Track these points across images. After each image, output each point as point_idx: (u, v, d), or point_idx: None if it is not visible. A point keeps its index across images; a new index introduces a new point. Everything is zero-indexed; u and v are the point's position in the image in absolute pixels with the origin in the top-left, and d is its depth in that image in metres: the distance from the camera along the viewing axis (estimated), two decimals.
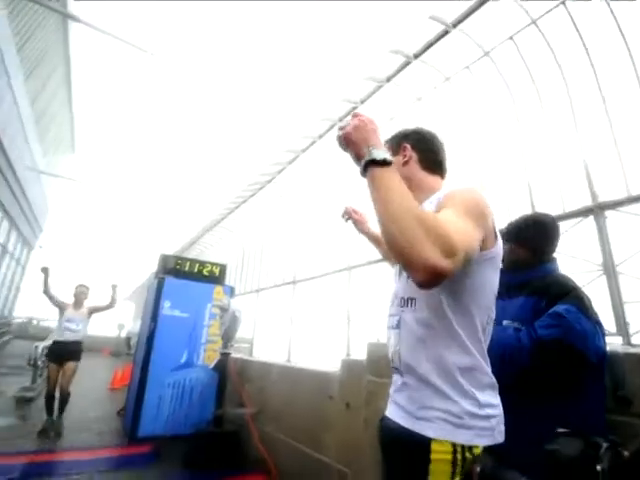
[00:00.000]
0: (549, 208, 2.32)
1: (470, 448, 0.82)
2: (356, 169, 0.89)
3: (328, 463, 2.76)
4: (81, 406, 6.18)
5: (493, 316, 0.97)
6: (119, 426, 4.95)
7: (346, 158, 0.95)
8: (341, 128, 0.92)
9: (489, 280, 0.92)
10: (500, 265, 0.96)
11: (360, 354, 3.37)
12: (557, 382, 1.23)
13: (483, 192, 0.98)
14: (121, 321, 21.56)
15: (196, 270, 5.30)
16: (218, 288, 5.18)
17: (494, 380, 0.91)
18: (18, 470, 3.26)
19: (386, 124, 4.15)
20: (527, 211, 1.69)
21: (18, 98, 10.24)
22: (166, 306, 4.67)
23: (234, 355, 4.57)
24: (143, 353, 4.61)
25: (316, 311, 4.80)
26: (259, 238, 7.07)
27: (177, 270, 5.13)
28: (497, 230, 0.93)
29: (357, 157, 0.88)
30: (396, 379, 1.01)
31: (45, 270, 4.59)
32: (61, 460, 3.63)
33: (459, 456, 0.81)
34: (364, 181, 0.83)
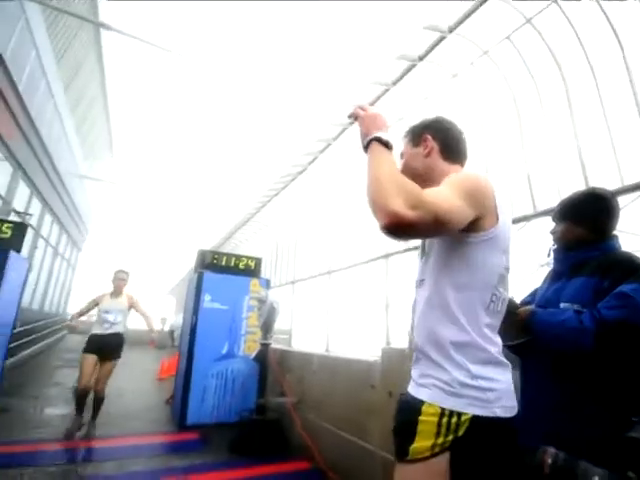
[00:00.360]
0: (605, 183, 2.15)
1: (459, 415, 0.87)
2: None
3: (372, 450, 2.76)
4: (132, 395, 6.58)
5: (502, 295, 0.99)
6: (168, 414, 5.21)
7: None
8: (361, 107, 1.08)
9: (489, 260, 0.95)
10: (504, 246, 0.98)
11: (400, 342, 3.33)
12: (623, 367, 1.14)
13: (485, 177, 1.00)
14: (164, 315, 22.64)
15: (232, 264, 5.43)
16: (254, 281, 5.28)
17: (497, 357, 0.95)
18: (78, 455, 3.52)
19: (420, 104, 3.99)
20: (580, 188, 1.56)
21: (60, 108, 10.84)
22: (206, 299, 4.82)
23: (274, 346, 4.66)
24: (187, 345, 4.81)
25: (353, 300, 4.78)
26: (292, 230, 7.11)
27: (214, 264, 5.28)
28: (500, 212, 0.96)
29: (366, 133, 1.01)
30: (413, 356, 1.10)
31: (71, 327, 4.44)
32: (116, 446, 3.88)
33: (445, 419, 0.87)
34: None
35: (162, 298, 28.72)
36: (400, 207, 0.78)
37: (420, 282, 1.08)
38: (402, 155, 1.22)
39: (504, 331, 1.31)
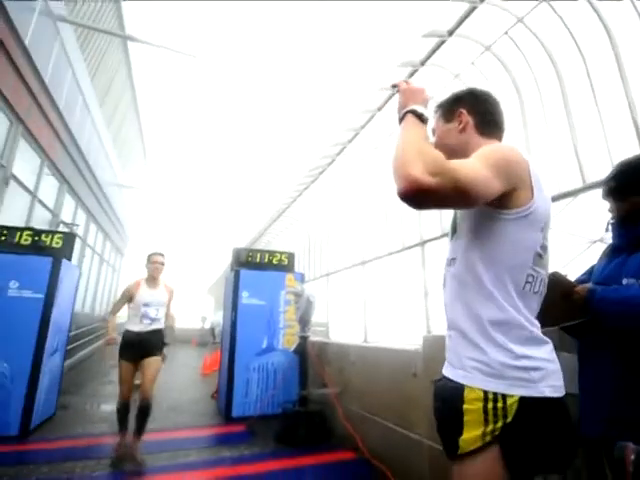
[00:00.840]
0: None
1: (504, 397, 0.81)
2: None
3: (418, 440, 2.73)
4: (179, 390, 6.90)
5: (540, 276, 0.93)
6: (214, 407, 5.42)
7: None
8: (405, 81, 1.08)
9: (525, 238, 0.89)
10: (542, 224, 0.91)
11: (441, 330, 3.26)
12: None
13: (519, 150, 0.93)
14: (203, 314, 23.48)
15: (266, 260, 5.53)
16: (289, 275, 5.35)
17: (538, 335, 0.90)
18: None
19: (450, 82, 3.89)
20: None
21: (96, 123, 11.45)
22: (244, 296, 4.95)
23: (312, 338, 4.70)
24: (229, 340, 4.96)
25: (390, 290, 4.73)
26: (324, 222, 7.12)
27: (249, 262, 5.40)
28: (536, 187, 0.89)
29: (403, 105, 1.00)
30: (446, 334, 1.05)
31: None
32: (168, 438, 4.08)
33: (490, 404, 0.81)
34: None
35: (201, 297, 29.77)
36: (420, 172, 0.75)
37: (451, 261, 1.02)
38: (434, 131, 1.16)
39: (559, 312, 1.24)
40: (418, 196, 0.77)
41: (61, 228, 8.77)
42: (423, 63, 3.85)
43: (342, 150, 5.30)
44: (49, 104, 7.37)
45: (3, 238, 4.44)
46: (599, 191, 1.46)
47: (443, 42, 3.55)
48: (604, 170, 2.48)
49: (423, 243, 3.98)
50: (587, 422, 1.25)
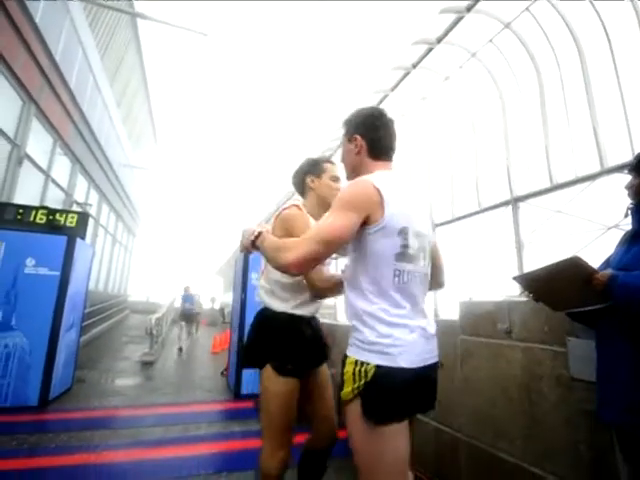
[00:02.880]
0: None
1: (367, 364, 1.10)
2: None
3: (425, 421, 2.78)
4: (191, 368, 7.10)
5: (406, 268, 1.17)
6: (224, 384, 5.57)
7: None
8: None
9: (384, 243, 1.15)
10: (398, 229, 1.14)
11: (449, 314, 3.27)
12: None
13: (365, 183, 1.16)
14: (212, 295, 23.89)
15: None
16: None
17: (400, 321, 1.14)
18: (148, 420, 3.88)
19: (418, 104, 3.84)
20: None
21: (107, 102, 11.43)
22: (254, 277, 5.00)
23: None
24: (238, 320, 5.05)
25: None
26: None
27: None
28: (386, 205, 1.13)
29: (252, 245, 1.33)
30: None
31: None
32: (181, 412, 4.22)
33: (357, 368, 1.11)
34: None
35: (210, 279, 30.21)
36: (284, 261, 1.13)
37: (344, 270, 1.31)
38: (342, 142, 1.40)
39: (576, 297, 1.23)
40: (295, 270, 1.15)
41: (74, 208, 8.90)
42: (415, 66, 4.18)
43: None
44: (60, 83, 7.37)
45: (19, 217, 4.53)
46: (618, 176, 1.42)
47: (431, 49, 3.89)
48: (624, 155, 2.41)
49: (434, 227, 3.95)
50: (604, 408, 1.26)
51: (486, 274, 3.32)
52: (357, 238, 1.17)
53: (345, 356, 1.19)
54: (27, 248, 4.24)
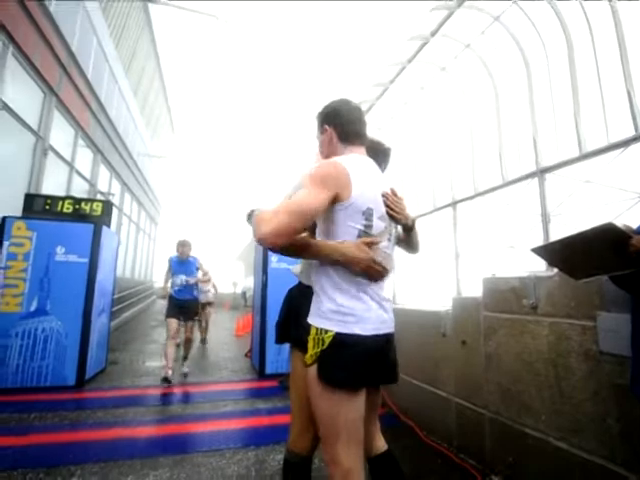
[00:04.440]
0: None
1: (326, 332, 1.18)
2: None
3: (445, 397, 2.79)
4: (216, 350, 7.33)
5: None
6: (249, 365, 5.74)
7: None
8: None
9: (348, 223, 1.23)
10: (362, 210, 1.22)
11: (472, 291, 3.22)
12: None
13: (336, 164, 1.22)
14: (234, 279, 24.38)
15: None
16: None
17: (358, 294, 1.22)
18: (177, 398, 4.05)
19: (417, 93, 3.67)
20: None
21: (124, 91, 11.55)
22: (274, 260, 5.05)
23: None
24: (260, 301, 5.14)
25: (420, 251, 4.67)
26: None
27: None
28: (355, 187, 1.21)
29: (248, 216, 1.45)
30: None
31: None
32: (209, 390, 4.39)
33: (317, 335, 1.20)
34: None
35: (231, 264, 30.75)
36: (261, 234, 1.10)
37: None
38: (317, 137, 1.50)
39: (610, 262, 1.18)
40: (268, 243, 1.11)
41: (98, 197, 9.16)
42: (410, 60, 4.38)
43: (370, 107, 5.08)
44: (78, 73, 7.47)
45: (47, 207, 4.70)
46: None
47: (425, 44, 4.08)
48: None
49: (455, 203, 3.83)
50: (636, 382, 1.23)
51: (509, 250, 3.23)
52: (325, 214, 1.24)
53: (307, 324, 1.27)
54: (56, 237, 4.41)
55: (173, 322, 4.69)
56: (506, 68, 3.43)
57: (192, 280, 4.93)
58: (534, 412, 2.04)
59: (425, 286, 4.38)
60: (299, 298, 1.55)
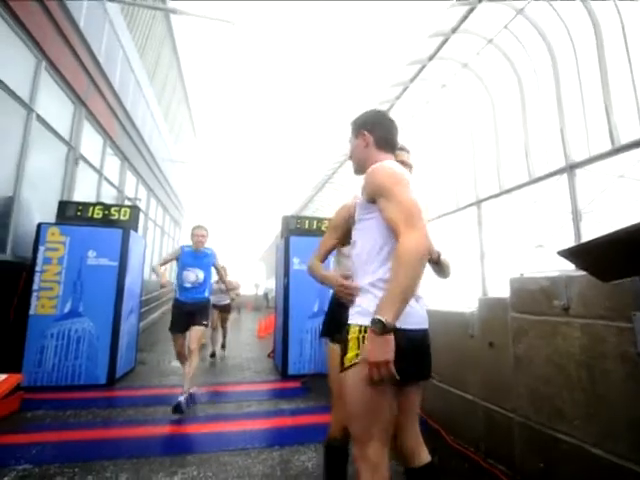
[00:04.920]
0: None
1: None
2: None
3: (472, 400, 2.72)
4: (239, 350, 7.43)
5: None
6: (271, 366, 5.79)
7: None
8: None
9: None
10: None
11: (498, 292, 3.14)
12: None
13: (397, 166, 1.30)
14: (256, 281, 24.68)
15: (315, 227, 5.60)
16: None
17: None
18: (203, 398, 4.13)
19: (438, 91, 3.56)
20: None
21: (149, 100, 11.92)
22: (295, 262, 5.09)
23: None
24: (282, 303, 5.19)
25: (444, 252, 4.61)
26: None
27: (298, 229, 5.50)
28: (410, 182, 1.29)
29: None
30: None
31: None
32: (233, 391, 4.45)
33: (362, 334, 1.19)
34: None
35: (253, 265, 31.15)
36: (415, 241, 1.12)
37: (354, 243, 1.41)
38: (350, 141, 1.54)
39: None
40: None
41: (126, 203, 9.48)
42: (431, 58, 4.38)
43: (391, 107, 5.04)
44: (105, 84, 7.77)
45: (79, 213, 4.91)
46: None
47: (447, 40, 4.02)
48: None
49: (479, 202, 3.74)
50: None
51: (538, 250, 3.13)
52: (370, 211, 1.29)
53: (348, 325, 1.26)
54: (88, 241, 4.60)
55: (178, 339, 3.82)
56: (530, 61, 3.33)
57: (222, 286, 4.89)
58: (566, 416, 1.96)
59: (450, 287, 4.30)
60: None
